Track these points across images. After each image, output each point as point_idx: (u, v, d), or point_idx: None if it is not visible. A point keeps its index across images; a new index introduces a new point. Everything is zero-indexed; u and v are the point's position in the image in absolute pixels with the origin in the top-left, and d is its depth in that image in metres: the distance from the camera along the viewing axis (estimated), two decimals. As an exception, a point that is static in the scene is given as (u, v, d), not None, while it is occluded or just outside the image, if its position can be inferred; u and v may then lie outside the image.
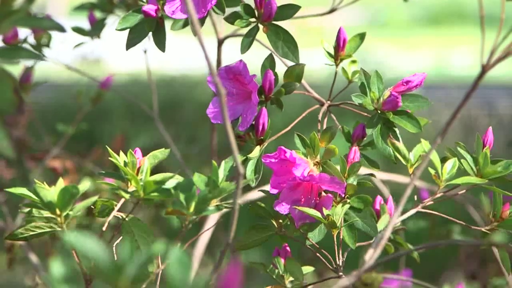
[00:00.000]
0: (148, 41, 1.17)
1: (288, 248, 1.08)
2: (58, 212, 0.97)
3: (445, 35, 8.51)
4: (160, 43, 1.11)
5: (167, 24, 1.14)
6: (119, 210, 1.04)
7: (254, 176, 1.06)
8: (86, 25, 1.62)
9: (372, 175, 1.10)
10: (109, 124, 4.06)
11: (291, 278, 1.07)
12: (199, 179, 0.95)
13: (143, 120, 3.96)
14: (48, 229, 0.99)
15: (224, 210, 0.99)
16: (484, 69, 0.84)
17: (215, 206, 0.96)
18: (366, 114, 1.11)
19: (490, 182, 1.06)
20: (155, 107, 1.72)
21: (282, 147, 1.03)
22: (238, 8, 1.10)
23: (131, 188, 1.01)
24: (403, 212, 1.07)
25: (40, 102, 1.82)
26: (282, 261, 1.07)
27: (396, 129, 1.08)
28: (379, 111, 1.08)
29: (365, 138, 1.11)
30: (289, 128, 1.11)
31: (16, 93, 1.63)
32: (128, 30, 1.12)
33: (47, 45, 1.58)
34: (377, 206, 1.11)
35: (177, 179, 0.98)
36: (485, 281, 1.93)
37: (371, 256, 0.95)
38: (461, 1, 9.39)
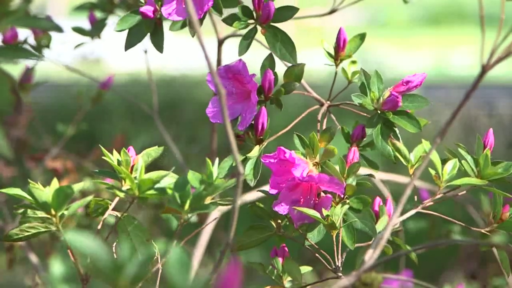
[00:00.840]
0: (149, 41, 1.17)
1: (286, 248, 1.08)
2: (53, 212, 0.97)
3: (445, 35, 8.51)
4: (158, 44, 1.11)
5: (166, 25, 1.14)
6: (117, 210, 1.04)
7: (253, 176, 1.06)
8: (86, 25, 1.62)
9: (371, 175, 1.10)
10: (109, 124, 4.06)
11: (289, 278, 1.07)
12: (193, 177, 0.95)
13: (143, 120, 3.96)
14: (43, 229, 0.99)
15: (225, 209, 0.99)
16: (484, 69, 0.84)
17: (210, 203, 0.96)
18: (365, 114, 1.11)
19: (490, 184, 1.05)
20: (155, 107, 1.72)
21: (282, 147, 1.03)
22: (236, 10, 1.10)
23: (126, 187, 1.01)
24: (403, 213, 1.07)
25: (40, 102, 1.82)
26: (280, 261, 1.07)
27: (396, 129, 1.08)
28: (379, 111, 1.08)
29: (364, 139, 1.11)
30: (288, 128, 1.11)
31: (15, 93, 1.63)
32: (127, 30, 1.12)
33: (47, 46, 1.58)
34: (376, 208, 1.11)
35: (172, 177, 0.98)
36: (485, 281, 1.93)
37: (370, 256, 0.95)
38: (461, 1, 9.39)
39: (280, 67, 1.13)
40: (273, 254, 1.08)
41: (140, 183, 0.97)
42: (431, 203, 1.07)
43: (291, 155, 1.03)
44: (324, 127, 1.11)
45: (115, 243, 1.03)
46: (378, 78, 1.09)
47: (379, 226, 1.06)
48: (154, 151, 1.04)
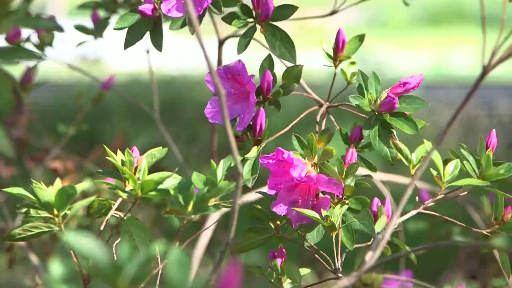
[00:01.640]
0: (149, 41, 1.17)
1: (284, 250, 1.08)
2: (55, 212, 0.96)
3: (445, 35, 8.52)
4: (157, 42, 1.11)
5: (166, 25, 1.14)
6: (119, 210, 1.04)
7: (251, 177, 1.06)
8: (86, 25, 1.61)
9: (369, 176, 1.10)
10: (109, 124, 4.07)
11: (289, 280, 1.07)
12: (197, 178, 0.95)
13: (143, 120, 3.96)
14: (46, 229, 0.99)
15: (224, 210, 0.99)
16: (485, 70, 0.84)
17: (213, 205, 0.96)
18: (364, 115, 1.11)
19: (492, 185, 1.05)
20: (155, 107, 1.72)
21: (280, 148, 1.03)
22: (236, 8, 1.10)
23: (129, 187, 1.01)
24: (403, 213, 1.07)
25: (40, 102, 1.82)
26: (278, 263, 1.07)
27: (394, 130, 1.08)
28: (376, 113, 1.08)
29: (362, 140, 1.10)
30: (287, 129, 1.11)
31: (16, 93, 1.63)
32: (127, 29, 1.12)
33: (50, 44, 1.57)
34: (374, 208, 1.11)
35: (175, 178, 0.98)
36: (485, 281, 1.92)
37: (371, 256, 0.95)
38: (461, 1, 9.39)
39: (279, 68, 1.13)
40: (272, 256, 1.08)
41: (143, 183, 0.97)
42: (432, 203, 1.07)
43: (289, 156, 1.02)
44: (323, 128, 1.11)
45: (115, 244, 1.03)
46: (376, 80, 1.08)
47: (377, 227, 1.06)
48: (158, 152, 1.04)
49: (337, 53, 1.13)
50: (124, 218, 1.02)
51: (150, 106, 1.76)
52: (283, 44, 1.09)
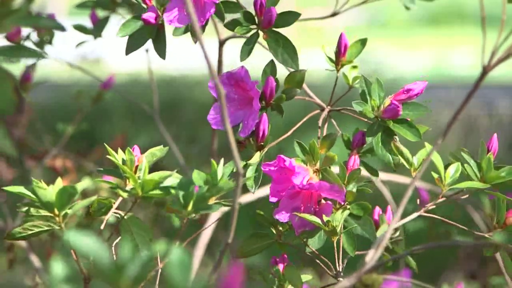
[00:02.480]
0: (149, 41, 1.17)
1: (285, 256, 1.08)
2: (56, 211, 0.97)
3: (445, 35, 8.51)
4: (161, 50, 1.11)
5: (168, 29, 1.14)
6: (119, 209, 1.04)
7: (254, 183, 1.06)
8: (86, 25, 1.61)
9: (370, 181, 1.10)
10: (109, 124, 4.06)
11: (290, 286, 1.07)
12: (198, 177, 0.95)
13: (143, 120, 3.96)
14: (47, 228, 0.99)
15: (224, 209, 0.99)
16: (485, 70, 0.84)
17: (213, 204, 0.96)
18: (366, 120, 1.10)
19: (493, 188, 1.05)
20: (155, 107, 1.72)
21: (282, 156, 1.03)
22: (238, 15, 1.10)
23: (129, 186, 1.01)
24: (404, 215, 1.07)
25: (40, 102, 1.82)
26: (280, 270, 1.07)
27: (396, 137, 1.08)
28: (379, 119, 1.08)
29: (364, 145, 1.10)
30: (289, 133, 1.11)
31: (16, 92, 1.63)
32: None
33: (50, 42, 1.57)
34: (376, 216, 1.11)
35: (176, 177, 0.98)
36: (485, 281, 1.93)
37: (371, 257, 0.95)
38: (461, 1, 9.39)
39: (282, 71, 1.13)
40: (274, 262, 1.08)
41: (144, 183, 0.97)
42: (433, 206, 1.07)
43: (291, 163, 1.03)
44: (324, 132, 1.11)
45: (115, 243, 1.03)
46: (379, 86, 1.08)
47: (379, 234, 1.06)
48: (159, 151, 1.04)
49: (339, 57, 1.13)
50: (125, 217, 1.03)
51: (150, 106, 1.76)
52: (285, 50, 1.09)
